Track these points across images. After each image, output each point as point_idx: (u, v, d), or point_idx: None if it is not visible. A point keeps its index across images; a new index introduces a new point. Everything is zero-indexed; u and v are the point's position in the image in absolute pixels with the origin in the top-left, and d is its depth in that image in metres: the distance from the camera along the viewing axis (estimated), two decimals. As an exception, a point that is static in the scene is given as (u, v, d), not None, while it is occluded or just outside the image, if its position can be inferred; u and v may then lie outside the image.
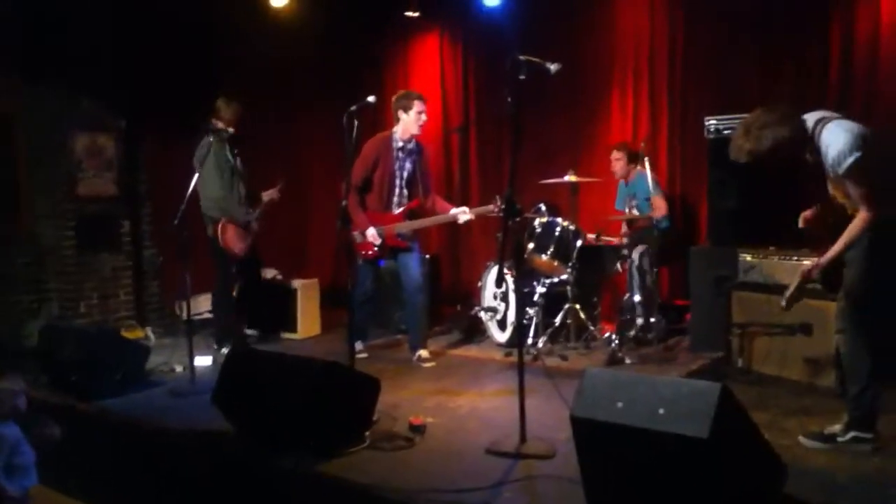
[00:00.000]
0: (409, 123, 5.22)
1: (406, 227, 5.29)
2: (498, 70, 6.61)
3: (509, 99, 3.72)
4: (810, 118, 3.37)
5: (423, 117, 5.25)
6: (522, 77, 3.67)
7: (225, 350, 5.48)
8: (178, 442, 3.86)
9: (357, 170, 5.20)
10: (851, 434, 3.39)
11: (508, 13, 6.60)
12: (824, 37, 5.39)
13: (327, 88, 7.35)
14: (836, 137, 3.24)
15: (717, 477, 2.52)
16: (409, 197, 5.38)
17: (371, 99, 4.77)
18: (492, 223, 6.12)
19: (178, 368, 5.33)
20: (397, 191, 5.32)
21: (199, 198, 5.42)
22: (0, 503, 3.50)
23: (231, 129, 5.64)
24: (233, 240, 5.66)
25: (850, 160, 3.20)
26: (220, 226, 5.56)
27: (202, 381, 4.79)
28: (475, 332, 6.10)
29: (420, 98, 5.25)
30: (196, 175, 5.12)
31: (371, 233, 5.22)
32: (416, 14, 7.19)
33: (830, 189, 3.47)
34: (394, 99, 5.35)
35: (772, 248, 4.67)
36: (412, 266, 5.35)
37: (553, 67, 3.75)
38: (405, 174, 5.33)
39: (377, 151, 5.26)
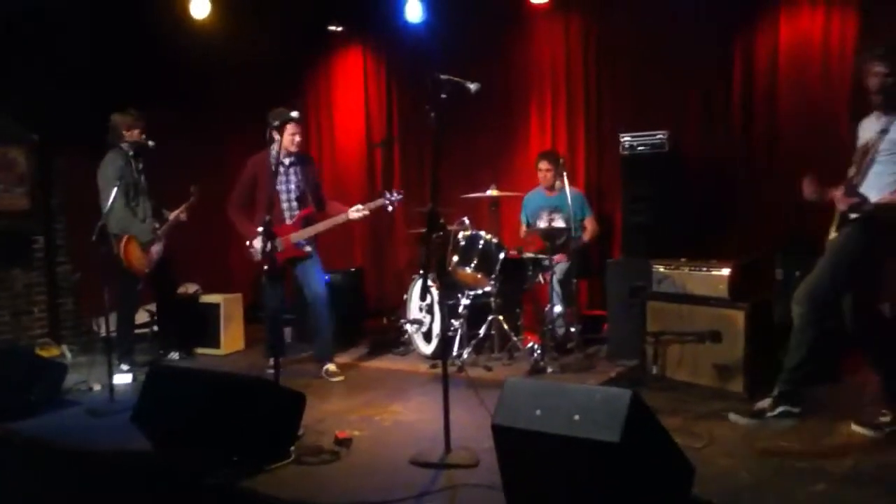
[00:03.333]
0: (283, 143, 5.18)
1: (303, 234, 5.30)
2: (421, 85, 6.68)
3: (432, 115, 3.83)
4: None
5: (297, 137, 5.26)
6: (444, 96, 3.78)
7: (125, 367, 5.44)
8: (98, 462, 3.78)
9: (237, 188, 5.36)
10: (781, 409, 3.61)
11: (430, 30, 6.74)
12: (728, 64, 5.74)
13: (251, 101, 7.30)
14: None
15: (630, 479, 2.65)
16: (301, 208, 5.38)
17: (294, 114, 4.81)
18: (417, 237, 6.22)
19: (97, 387, 5.20)
20: (286, 204, 5.33)
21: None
22: None
23: (132, 143, 5.54)
24: (135, 257, 5.56)
25: None
26: (122, 243, 5.45)
27: (121, 399, 4.72)
28: (401, 344, 6.15)
29: (293, 119, 5.11)
30: (114, 190, 5.05)
31: (256, 243, 5.18)
32: (339, 28, 7.25)
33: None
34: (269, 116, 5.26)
35: (683, 259, 4.89)
36: (313, 277, 5.36)
37: (473, 87, 3.86)
38: (292, 187, 5.34)
39: (254, 169, 5.32)
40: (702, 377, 4.64)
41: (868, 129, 3.72)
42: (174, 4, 6.70)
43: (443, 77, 3.80)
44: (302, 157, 5.44)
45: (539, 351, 5.31)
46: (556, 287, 5.67)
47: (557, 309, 5.66)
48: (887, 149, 3.59)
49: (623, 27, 6.13)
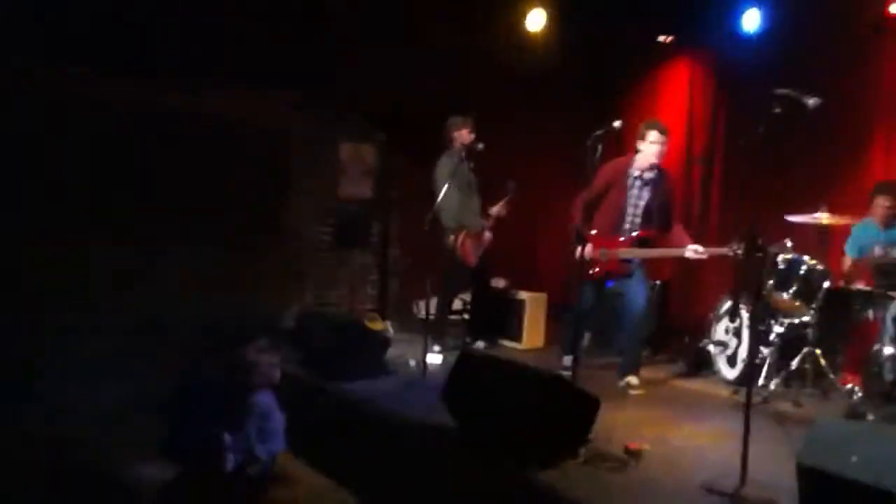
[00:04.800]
0: (645, 153, 5.21)
1: (631, 253, 5.27)
2: (751, 100, 6.38)
3: (760, 130, 3.67)
4: None
5: (660, 148, 5.18)
6: (778, 110, 3.60)
7: (437, 348, 5.87)
8: (402, 431, 4.20)
9: (589, 190, 5.28)
10: None
11: (768, 41, 6.37)
12: None
13: (570, 110, 7.52)
14: None
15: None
16: (643, 226, 5.35)
17: (617, 124, 4.86)
18: (729, 256, 5.94)
19: (412, 362, 5.73)
20: (629, 218, 5.32)
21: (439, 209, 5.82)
22: (250, 463, 4.01)
23: (464, 145, 5.99)
24: (469, 250, 6.05)
25: None
26: (460, 237, 5.95)
27: (432, 376, 5.17)
28: (702, 365, 5.93)
29: (657, 128, 5.17)
30: (445, 188, 5.55)
31: (588, 248, 5.22)
32: (669, 39, 7.15)
33: None
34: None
35: None
36: (636, 293, 5.31)
37: (811, 102, 3.64)
38: (641, 202, 5.31)
39: (610, 176, 5.30)
40: None
41: None
42: (510, 18, 7.11)
43: (779, 91, 3.62)
44: (661, 174, 5.37)
45: (860, 394, 4.81)
46: (891, 326, 5.06)
47: (888, 350, 5.04)
48: None
49: None
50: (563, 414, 3.77)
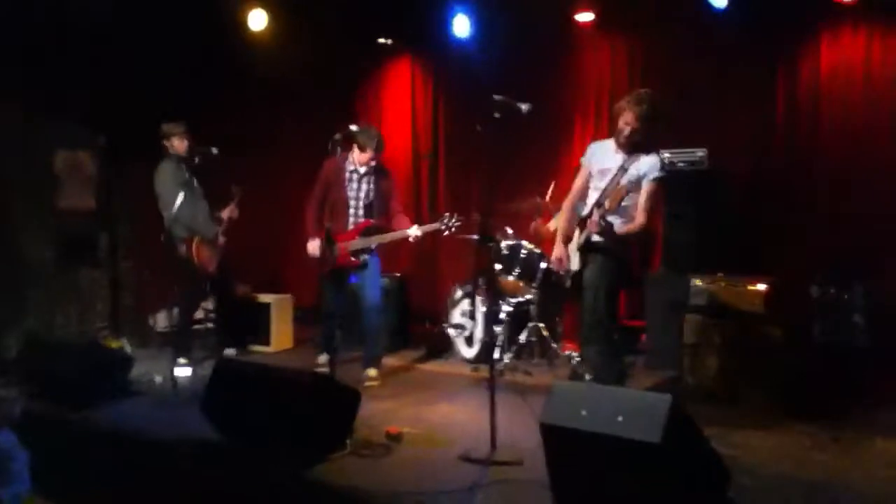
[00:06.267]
0: (357, 159, 5.46)
1: (358, 244, 5.47)
2: (468, 98, 6.99)
3: (478, 128, 4.11)
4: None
5: (369, 160, 5.43)
6: (497, 115, 4.03)
7: (182, 360, 5.71)
8: (169, 450, 4.06)
9: (314, 191, 5.59)
10: None
11: (478, 46, 6.97)
12: (771, 84, 5.91)
13: (309, 109, 7.63)
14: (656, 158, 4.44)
15: (669, 479, 2.86)
16: (366, 217, 5.55)
17: (354, 127, 5.09)
18: (459, 245, 6.44)
19: (158, 379, 5.50)
20: (352, 211, 5.50)
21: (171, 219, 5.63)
22: None
23: (181, 152, 5.86)
24: (206, 257, 5.88)
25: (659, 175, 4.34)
26: (194, 244, 5.77)
27: (184, 390, 5.03)
28: (443, 348, 6.38)
29: (367, 146, 5.40)
30: (180, 195, 5.37)
31: (311, 245, 5.49)
32: (389, 41, 7.51)
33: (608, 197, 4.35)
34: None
35: (720, 274, 5.06)
36: (371, 286, 5.54)
37: (525, 108, 4.10)
38: (362, 195, 5.51)
39: (328, 175, 5.56)
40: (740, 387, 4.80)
41: None
42: (233, 16, 7.03)
43: (497, 98, 4.05)
44: (378, 169, 5.56)
45: (577, 358, 5.49)
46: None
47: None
48: None
49: (667, 47, 6.30)
50: (327, 409, 3.91)
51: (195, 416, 4.17)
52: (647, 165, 4.42)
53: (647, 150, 4.46)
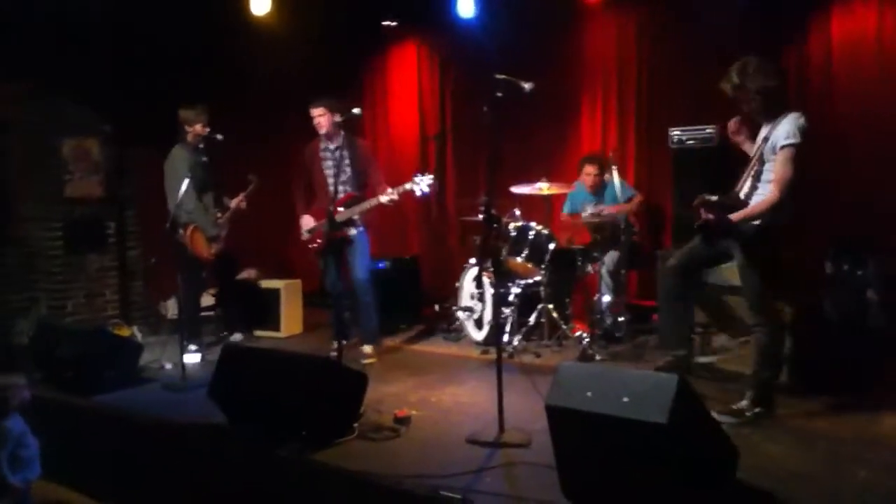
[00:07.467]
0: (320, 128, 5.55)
1: (341, 216, 5.43)
2: (474, 79, 6.94)
3: (485, 109, 4.04)
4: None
5: (320, 122, 5.52)
6: (500, 94, 3.98)
7: (192, 347, 5.71)
8: (177, 434, 4.08)
9: (298, 174, 5.79)
10: (756, 410, 3.96)
11: (483, 26, 6.89)
12: (781, 60, 5.78)
13: (310, 95, 7.57)
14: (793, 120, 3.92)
15: (676, 460, 2.82)
16: (346, 191, 5.54)
17: (356, 111, 5.06)
18: (470, 227, 6.42)
19: (168, 365, 5.53)
20: (332, 188, 5.44)
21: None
22: (2, 494, 3.70)
23: (197, 136, 5.81)
24: (200, 245, 5.82)
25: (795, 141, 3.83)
26: (188, 232, 5.72)
27: (193, 376, 5.04)
28: (453, 331, 6.37)
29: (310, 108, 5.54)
30: (186, 182, 5.35)
31: (304, 222, 5.64)
32: (394, 24, 7.45)
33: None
34: None
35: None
36: (356, 263, 5.56)
37: (527, 86, 4.05)
38: (339, 171, 5.44)
39: (305, 157, 5.71)
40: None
41: None
42: (236, 2, 6.97)
43: (499, 77, 4.00)
44: (349, 142, 5.55)
45: (587, 339, 5.47)
46: (606, 277, 5.82)
47: (606, 299, 5.82)
48: None
49: (674, 24, 6.21)
50: (334, 393, 3.91)
51: (204, 402, 4.19)
52: (781, 131, 3.96)
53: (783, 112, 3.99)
